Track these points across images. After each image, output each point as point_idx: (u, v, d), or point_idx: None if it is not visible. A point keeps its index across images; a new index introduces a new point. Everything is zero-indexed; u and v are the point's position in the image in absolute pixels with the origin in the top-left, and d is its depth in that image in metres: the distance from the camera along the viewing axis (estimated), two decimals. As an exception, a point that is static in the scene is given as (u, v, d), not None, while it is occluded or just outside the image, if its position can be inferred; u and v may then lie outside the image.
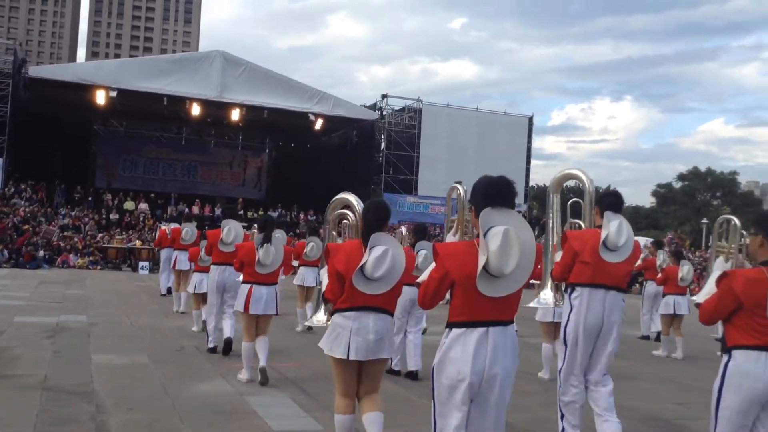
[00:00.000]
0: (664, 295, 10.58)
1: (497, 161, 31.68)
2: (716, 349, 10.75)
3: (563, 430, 4.87)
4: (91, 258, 22.70)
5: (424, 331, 8.53)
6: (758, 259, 3.44)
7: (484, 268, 2.99)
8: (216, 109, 29.34)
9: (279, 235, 8.34)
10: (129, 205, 29.65)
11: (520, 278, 3.08)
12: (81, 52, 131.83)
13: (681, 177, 63.23)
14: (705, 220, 28.08)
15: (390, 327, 4.34)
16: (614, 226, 4.63)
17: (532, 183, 64.45)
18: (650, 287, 12.02)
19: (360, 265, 3.99)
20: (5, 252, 20.99)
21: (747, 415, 3.31)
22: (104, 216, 27.93)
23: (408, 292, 7.31)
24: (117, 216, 28.17)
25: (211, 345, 8.33)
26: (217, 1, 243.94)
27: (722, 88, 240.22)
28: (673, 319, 10.34)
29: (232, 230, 7.91)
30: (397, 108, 33.28)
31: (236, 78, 28.26)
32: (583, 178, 4.95)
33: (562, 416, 4.88)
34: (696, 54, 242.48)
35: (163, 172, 35.15)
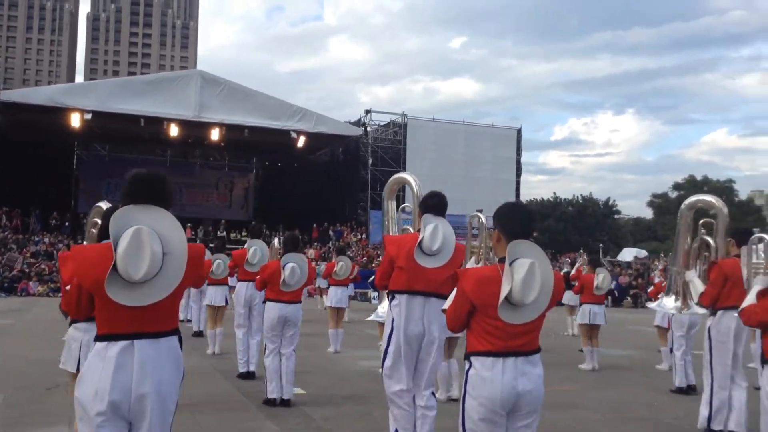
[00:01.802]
0: (580, 305, 10.28)
1: (484, 175, 30.72)
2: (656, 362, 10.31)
3: None
4: (52, 285, 21.93)
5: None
6: (498, 255, 3.09)
7: (116, 272, 2.64)
8: (195, 129, 28.74)
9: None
10: (109, 229, 29.01)
11: (165, 284, 2.73)
12: (79, 79, 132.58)
13: (677, 186, 61.25)
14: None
15: None
16: (429, 230, 4.15)
17: (531, 197, 63.14)
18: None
19: None
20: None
21: (493, 425, 3.00)
22: (80, 242, 27.27)
23: (278, 308, 6.58)
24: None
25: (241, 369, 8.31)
26: (217, 27, 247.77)
27: (724, 99, 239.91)
28: (590, 330, 9.92)
29: (258, 251, 8.16)
30: (382, 123, 32.49)
31: (215, 97, 27.67)
32: (411, 182, 4.82)
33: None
34: (695, 65, 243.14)
35: (148, 195, 34.60)
